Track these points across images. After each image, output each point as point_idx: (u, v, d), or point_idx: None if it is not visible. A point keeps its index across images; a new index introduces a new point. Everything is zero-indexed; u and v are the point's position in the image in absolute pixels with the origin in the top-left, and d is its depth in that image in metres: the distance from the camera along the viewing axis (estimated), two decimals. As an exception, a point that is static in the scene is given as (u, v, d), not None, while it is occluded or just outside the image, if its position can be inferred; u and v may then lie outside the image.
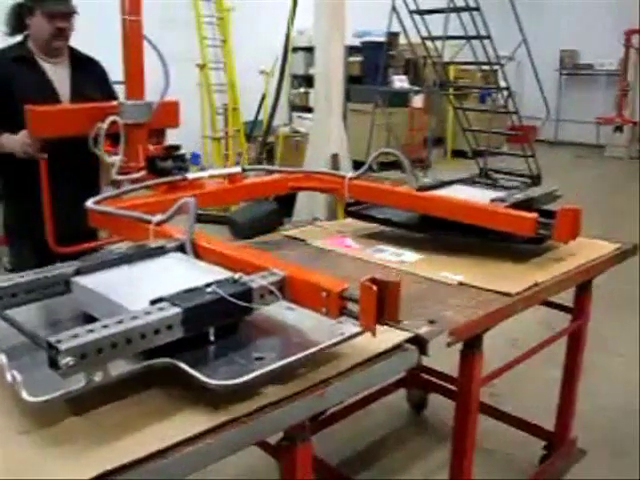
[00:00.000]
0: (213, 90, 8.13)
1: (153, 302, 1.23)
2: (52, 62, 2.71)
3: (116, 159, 2.39)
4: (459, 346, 1.87)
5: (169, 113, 2.70)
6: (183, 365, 1.20)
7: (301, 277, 1.40)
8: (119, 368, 1.17)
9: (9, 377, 1.14)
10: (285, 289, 1.38)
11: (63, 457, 1.06)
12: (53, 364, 1.06)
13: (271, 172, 2.80)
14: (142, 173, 2.40)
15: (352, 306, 1.32)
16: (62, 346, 1.05)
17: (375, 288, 1.25)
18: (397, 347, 1.47)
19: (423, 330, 1.57)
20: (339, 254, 2.22)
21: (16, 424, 1.14)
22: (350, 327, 1.36)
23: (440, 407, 3.11)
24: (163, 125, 2.69)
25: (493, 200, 2.21)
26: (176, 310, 1.20)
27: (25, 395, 1.09)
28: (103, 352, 1.10)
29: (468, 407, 1.99)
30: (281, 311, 1.47)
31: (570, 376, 2.62)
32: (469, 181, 2.58)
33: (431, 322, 1.62)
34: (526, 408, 2.95)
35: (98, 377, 1.12)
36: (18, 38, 2.72)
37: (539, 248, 2.18)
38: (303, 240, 2.37)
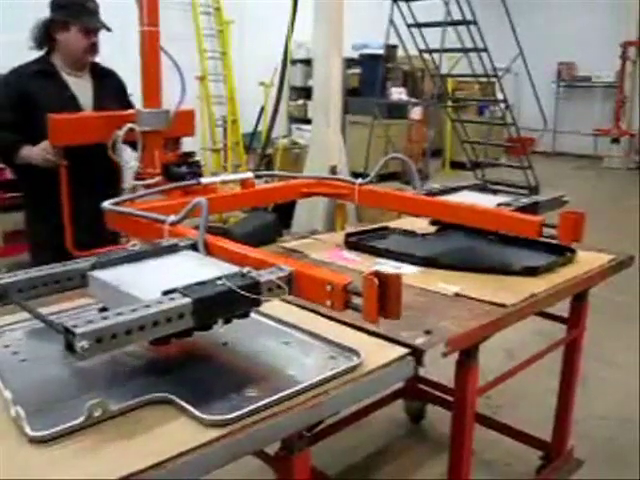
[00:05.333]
0: (213, 102, 8.19)
1: (165, 293, 1.27)
2: (75, 76, 2.79)
3: (133, 165, 2.45)
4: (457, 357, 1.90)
5: (185, 122, 2.76)
6: (179, 400, 1.24)
7: (307, 272, 1.43)
8: (118, 402, 1.22)
9: (13, 412, 1.19)
10: (292, 284, 1.41)
11: (83, 463, 1.09)
12: (69, 347, 1.11)
13: (282, 178, 2.83)
14: (158, 179, 2.44)
15: (356, 299, 1.34)
16: (78, 330, 1.10)
17: (376, 280, 1.29)
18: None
19: (419, 341, 1.59)
20: (337, 266, 2.24)
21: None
22: (343, 362, 1.41)
23: (438, 418, 3.12)
24: (179, 134, 2.75)
25: (500, 204, 2.24)
26: (187, 300, 1.24)
27: (28, 430, 1.14)
28: (117, 337, 1.15)
29: (464, 417, 2.00)
30: (276, 345, 1.52)
31: (567, 386, 2.63)
32: (476, 187, 2.62)
33: (427, 333, 1.64)
34: (523, 418, 2.97)
35: (98, 413, 1.17)
36: (41, 52, 2.79)
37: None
38: (301, 252, 2.39)
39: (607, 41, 11.74)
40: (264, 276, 1.37)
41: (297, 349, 1.49)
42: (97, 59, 2.91)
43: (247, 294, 1.30)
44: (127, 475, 1.06)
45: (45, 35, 2.74)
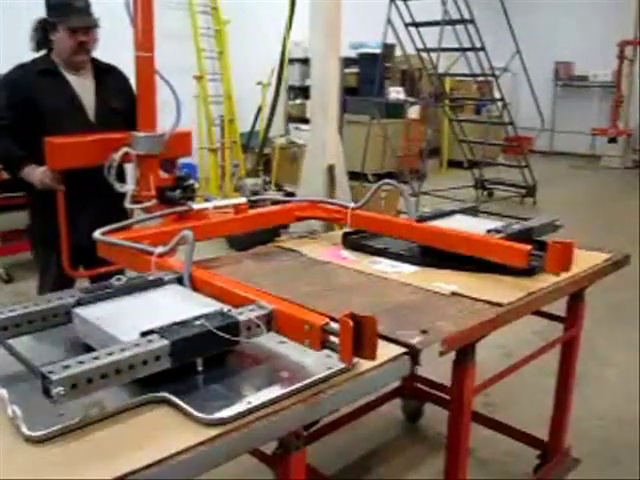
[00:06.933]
0: (210, 101, 8.18)
1: (143, 334, 1.28)
2: (76, 74, 2.77)
3: (129, 188, 2.47)
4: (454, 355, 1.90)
5: (182, 143, 2.78)
6: (175, 399, 1.25)
7: (286, 311, 1.44)
8: (115, 401, 1.23)
9: (10, 412, 1.19)
10: (272, 322, 1.43)
11: (79, 462, 1.10)
12: (46, 393, 1.12)
13: (276, 201, 2.81)
14: (153, 202, 2.46)
15: (334, 339, 1.35)
16: (54, 377, 1.11)
17: (351, 323, 1.29)
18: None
19: (416, 340, 1.59)
20: (335, 265, 2.25)
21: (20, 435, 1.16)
22: (339, 361, 1.41)
23: (435, 416, 3.12)
24: (176, 155, 2.77)
25: (489, 231, 2.23)
26: (164, 342, 1.25)
27: (24, 430, 1.14)
28: (93, 382, 1.17)
29: (461, 416, 2.01)
30: (273, 344, 1.52)
31: (564, 385, 2.64)
32: (469, 211, 2.62)
33: (424, 332, 1.64)
34: (520, 417, 2.97)
35: (95, 412, 1.18)
36: (42, 52, 2.78)
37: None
38: (299, 251, 2.39)
39: (604, 40, 11.74)
40: (244, 314, 1.38)
41: (293, 348, 1.48)
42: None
43: (225, 335, 1.31)
44: (124, 474, 1.06)
45: (43, 36, 2.73)
